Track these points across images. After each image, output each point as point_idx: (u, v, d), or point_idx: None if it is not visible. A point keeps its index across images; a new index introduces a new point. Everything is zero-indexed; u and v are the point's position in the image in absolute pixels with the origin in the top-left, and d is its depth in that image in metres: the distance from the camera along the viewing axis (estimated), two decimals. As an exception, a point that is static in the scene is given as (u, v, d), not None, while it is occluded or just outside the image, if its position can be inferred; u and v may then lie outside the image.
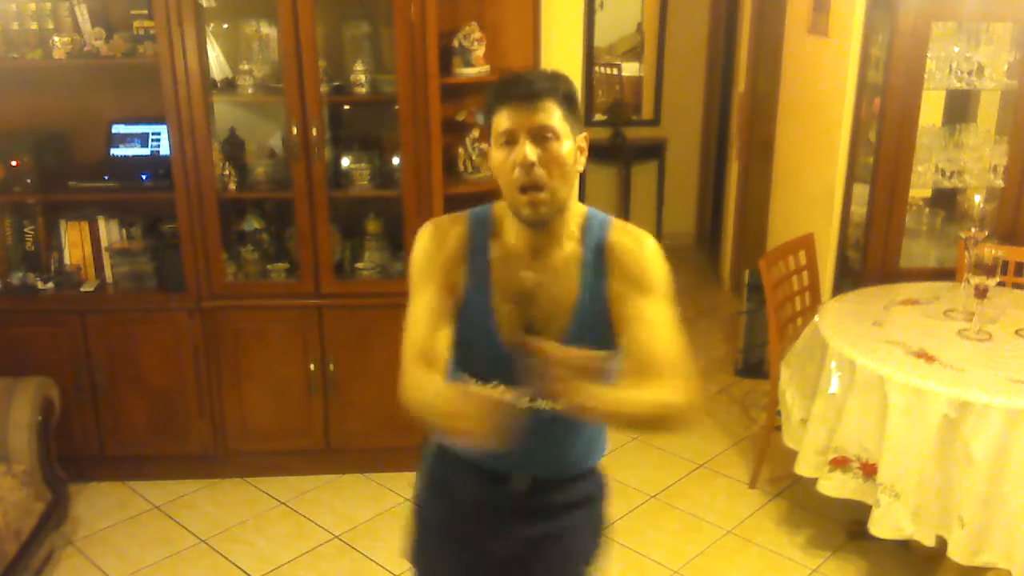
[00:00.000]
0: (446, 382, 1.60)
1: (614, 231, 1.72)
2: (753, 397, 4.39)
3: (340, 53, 3.46)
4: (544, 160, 1.59)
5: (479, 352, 1.70)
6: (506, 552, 1.81)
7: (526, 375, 1.45)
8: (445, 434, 1.57)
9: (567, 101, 1.63)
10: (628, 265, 1.68)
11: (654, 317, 1.65)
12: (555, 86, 1.62)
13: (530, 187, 1.60)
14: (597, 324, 1.68)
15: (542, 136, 1.59)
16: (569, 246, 1.70)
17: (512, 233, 1.71)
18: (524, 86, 1.60)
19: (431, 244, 1.73)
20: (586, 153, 1.70)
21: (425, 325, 1.66)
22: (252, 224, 3.58)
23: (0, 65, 3.32)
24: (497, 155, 1.63)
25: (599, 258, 1.69)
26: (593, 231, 1.71)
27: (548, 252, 1.69)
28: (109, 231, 3.53)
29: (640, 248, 1.70)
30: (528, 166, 1.58)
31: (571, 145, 1.63)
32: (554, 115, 1.60)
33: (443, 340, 1.67)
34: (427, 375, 1.59)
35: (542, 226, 1.66)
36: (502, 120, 1.60)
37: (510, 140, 1.60)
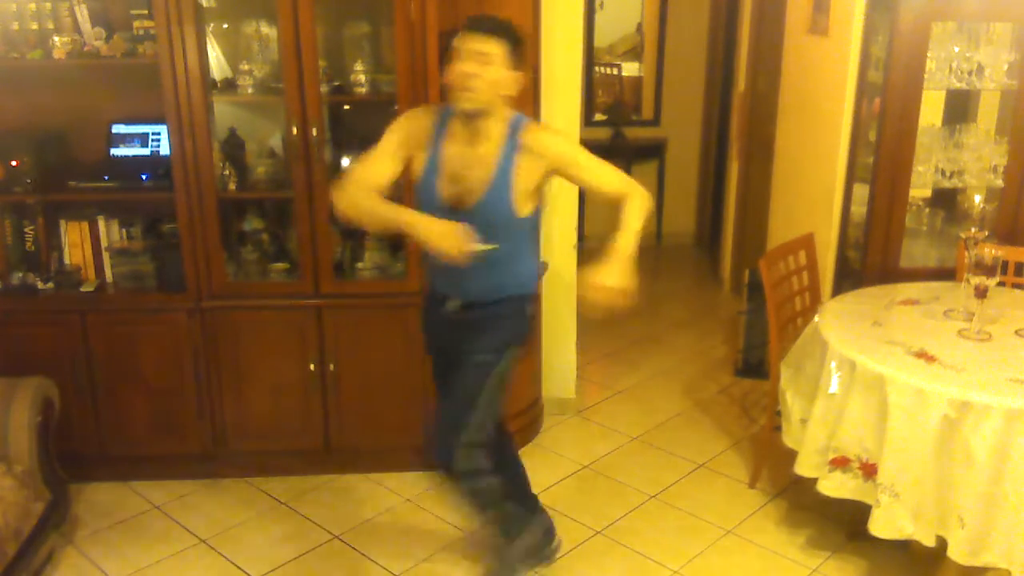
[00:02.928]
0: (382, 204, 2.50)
1: (526, 130, 2.50)
2: (753, 397, 4.39)
3: (340, 53, 3.46)
4: (476, 74, 2.36)
5: (427, 211, 2.49)
6: (448, 336, 2.73)
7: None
8: (382, 230, 2.67)
9: (512, 42, 2.40)
10: (540, 149, 2.49)
11: (588, 164, 2.55)
12: (504, 30, 2.40)
13: (463, 86, 2.38)
14: (502, 196, 2.48)
15: (479, 58, 2.36)
16: (494, 139, 2.48)
17: (458, 129, 2.50)
18: (480, 21, 2.40)
19: (409, 117, 2.61)
20: (520, 84, 2.47)
21: (378, 162, 2.55)
22: (252, 224, 3.58)
23: (0, 65, 3.32)
24: (453, 64, 2.40)
25: (513, 150, 2.47)
26: (514, 132, 2.49)
27: (478, 144, 2.49)
28: (109, 231, 3.53)
29: (545, 134, 2.56)
30: (464, 75, 2.37)
31: (504, 73, 2.40)
32: (495, 47, 2.37)
33: (385, 178, 2.55)
34: (365, 195, 2.50)
35: (469, 118, 2.44)
36: (461, 40, 2.39)
37: (460, 55, 2.38)
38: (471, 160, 2.48)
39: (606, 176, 2.55)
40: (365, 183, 2.52)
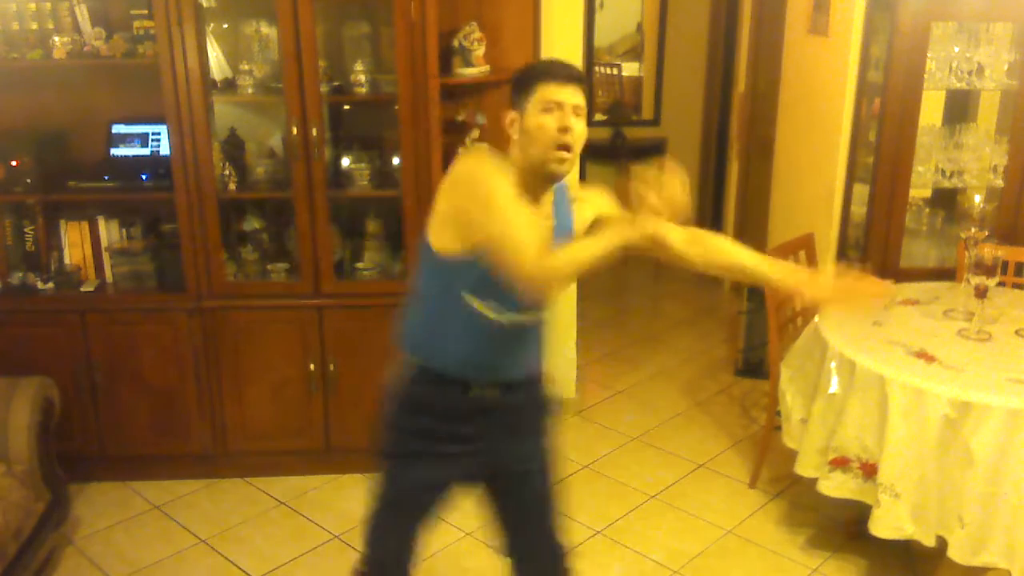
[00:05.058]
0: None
1: (573, 188, 2.18)
2: (753, 397, 4.39)
3: (340, 53, 3.46)
4: (575, 131, 1.97)
5: (498, 281, 1.93)
6: (475, 438, 2.15)
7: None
8: (613, 256, 1.90)
9: (587, 92, 2.02)
10: (584, 202, 2.17)
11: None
12: (584, 77, 2.03)
13: (565, 147, 1.96)
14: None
15: (577, 112, 1.98)
16: (550, 194, 2.08)
17: (517, 182, 1.98)
18: (570, 70, 2.00)
19: (495, 160, 2.01)
20: None
21: (532, 225, 1.94)
22: (252, 224, 3.58)
23: (0, 65, 3.32)
24: (538, 119, 1.96)
25: (563, 199, 2.12)
26: (563, 189, 2.13)
27: (541, 199, 2.04)
28: (109, 231, 3.53)
29: (588, 195, 2.20)
30: (569, 131, 1.95)
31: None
32: (584, 99, 1.99)
33: None
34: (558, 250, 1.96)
35: (556, 181, 2.03)
36: (551, 91, 1.96)
37: (555, 109, 1.95)
38: (539, 214, 2.05)
39: None
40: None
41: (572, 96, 1.97)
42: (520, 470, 2.23)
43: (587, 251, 1.89)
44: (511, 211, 1.89)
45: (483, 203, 1.89)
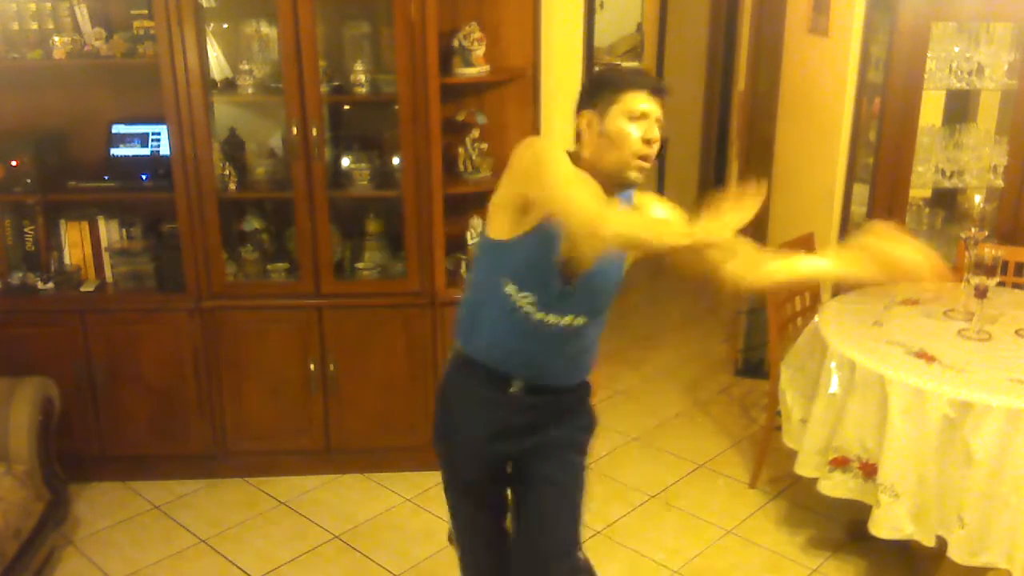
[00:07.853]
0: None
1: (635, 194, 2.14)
2: (753, 397, 4.39)
3: (340, 53, 3.46)
4: (656, 144, 1.99)
5: (539, 272, 2.02)
6: (507, 438, 2.21)
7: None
8: (652, 243, 1.98)
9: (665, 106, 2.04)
10: (643, 208, 2.14)
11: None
12: (668, 93, 2.03)
13: (645, 158, 1.98)
14: (615, 263, 2.13)
15: (659, 125, 1.99)
16: (616, 199, 2.05)
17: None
18: (659, 83, 2.02)
19: (563, 153, 2.00)
20: None
21: (587, 184, 1.94)
22: (252, 224, 3.58)
23: (0, 65, 3.32)
24: (624, 125, 1.96)
25: (627, 205, 2.09)
26: (628, 196, 2.11)
27: (609, 201, 2.00)
28: (109, 231, 3.53)
29: (648, 200, 2.17)
30: (653, 143, 1.97)
31: None
32: (662, 112, 2.01)
33: None
34: (629, 212, 2.06)
35: (630, 188, 2.04)
36: (640, 100, 1.96)
37: (642, 119, 1.96)
38: None
39: None
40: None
41: (659, 109, 1.99)
42: (538, 474, 2.25)
43: (644, 226, 2.01)
44: (566, 174, 1.92)
45: (539, 172, 1.93)
